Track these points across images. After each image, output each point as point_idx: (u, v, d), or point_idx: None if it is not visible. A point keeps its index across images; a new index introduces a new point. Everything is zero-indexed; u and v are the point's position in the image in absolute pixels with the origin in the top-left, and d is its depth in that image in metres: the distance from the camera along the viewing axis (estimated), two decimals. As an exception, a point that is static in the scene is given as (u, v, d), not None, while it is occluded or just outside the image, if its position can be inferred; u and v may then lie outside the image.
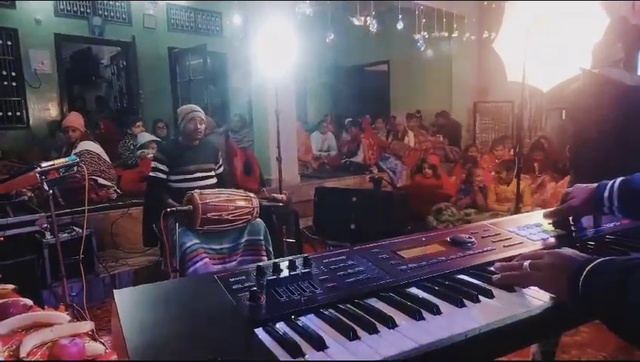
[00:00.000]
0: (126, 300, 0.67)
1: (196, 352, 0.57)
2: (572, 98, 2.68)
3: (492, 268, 0.83)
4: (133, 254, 4.01)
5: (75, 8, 6.85)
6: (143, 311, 0.66)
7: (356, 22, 6.44)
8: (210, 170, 3.29)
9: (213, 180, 3.30)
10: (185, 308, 0.68)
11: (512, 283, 0.77)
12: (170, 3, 7.82)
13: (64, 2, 6.74)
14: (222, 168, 3.44)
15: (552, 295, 0.73)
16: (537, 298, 0.74)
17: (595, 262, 0.66)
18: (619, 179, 0.93)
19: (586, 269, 0.65)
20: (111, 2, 7.22)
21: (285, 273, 0.77)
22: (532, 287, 0.77)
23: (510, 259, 0.91)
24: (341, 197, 4.47)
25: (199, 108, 3.26)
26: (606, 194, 0.93)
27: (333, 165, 7.10)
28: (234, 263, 3.01)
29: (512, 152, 6.10)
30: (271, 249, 3.15)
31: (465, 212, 4.82)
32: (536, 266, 0.75)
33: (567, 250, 0.77)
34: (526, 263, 0.76)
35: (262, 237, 3.09)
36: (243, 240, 3.06)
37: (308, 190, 5.25)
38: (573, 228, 1.04)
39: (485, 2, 7.10)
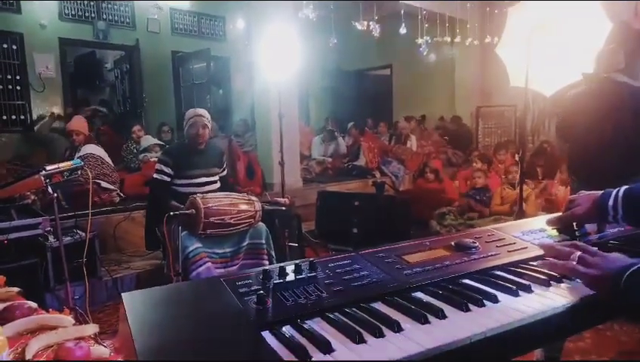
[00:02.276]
0: (134, 303, 0.67)
1: (204, 354, 0.57)
2: (572, 102, 2.68)
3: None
4: (136, 258, 4.01)
5: (79, 13, 6.90)
6: (151, 313, 0.67)
7: (359, 26, 6.47)
8: (214, 175, 3.29)
9: (217, 184, 3.30)
10: (192, 311, 0.68)
11: (557, 272, 0.81)
12: (173, 7, 7.87)
13: (69, 7, 6.79)
14: (225, 172, 3.44)
15: (594, 291, 0.77)
16: (542, 303, 0.74)
17: (635, 266, 0.71)
18: (623, 188, 0.93)
19: (627, 273, 0.71)
20: (115, 7, 7.26)
21: (291, 277, 0.78)
22: (538, 293, 0.78)
23: (515, 264, 0.91)
24: (343, 202, 4.47)
25: (204, 113, 3.22)
26: (610, 202, 0.93)
27: (335, 168, 7.12)
28: (236, 267, 3.01)
29: (515, 157, 6.09)
30: (273, 253, 3.14)
31: (468, 216, 4.82)
32: (585, 262, 0.78)
33: (615, 255, 0.81)
34: (575, 255, 0.80)
35: (264, 241, 3.09)
36: (245, 243, 3.06)
37: (310, 194, 5.25)
38: (577, 233, 1.05)
39: (487, 8, 7.12)
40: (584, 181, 2.57)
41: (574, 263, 0.80)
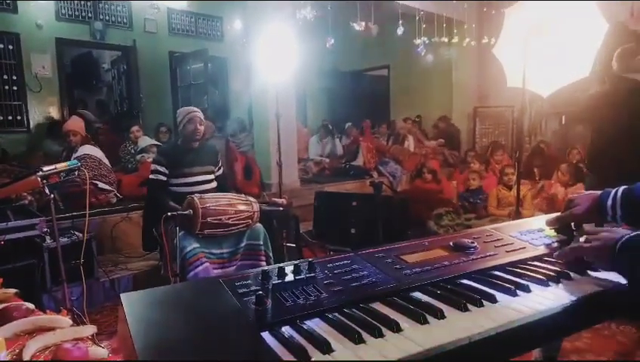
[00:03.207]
0: (134, 303, 0.67)
1: (203, 355, 0.57)
2: (593, 102, 2.69)
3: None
4: (133, 258, 4.00)
5: (76, 13, 6.87)
6: (151, 314, 0.67)
7: (357, 27, 6.47)
8: (210, 173, 3.28)
9: (214, 183, 3.29)
10: (191, 311, 0.68)
11: (569, 258, 0.89)
12: (171, 7, 7.85)
13: (66, 7, 6.77)
14: (221, 170, 3.44)
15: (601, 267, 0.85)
16: (540, 303, 0.74)
17: (626, 237, 0.77)
18: (622, 188, 0.94)
19: (620, 241, 0.77)
20: (112, 7, 7.24)
21: (290, 277, 0.78)
22: (536, 292, 0.78)
23: (513, 264, 0.91)
24: (341, 202, 4.48)
25: (198, 109, 3.26)
26: (609, 202, 0.93)
27: (333, 169, 7.12)
28: (233, 268, 3.00)
29: (506, 155, 6.11)
30: (270, 253, 3.13)
31: (465, 217, 4.82)
32: (591, 238, 0.86)
33: (619, 229, 0.86)
34: (582, 238, 0.89)
35: (261, 242, 3.08)
36: (242, 244, 3.05)
37: (308, 194, 5.25)
38: (575, 233, 1.05)
39: (485, 9, 7.15)
40: (600, 178, 2.60)
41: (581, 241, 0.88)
